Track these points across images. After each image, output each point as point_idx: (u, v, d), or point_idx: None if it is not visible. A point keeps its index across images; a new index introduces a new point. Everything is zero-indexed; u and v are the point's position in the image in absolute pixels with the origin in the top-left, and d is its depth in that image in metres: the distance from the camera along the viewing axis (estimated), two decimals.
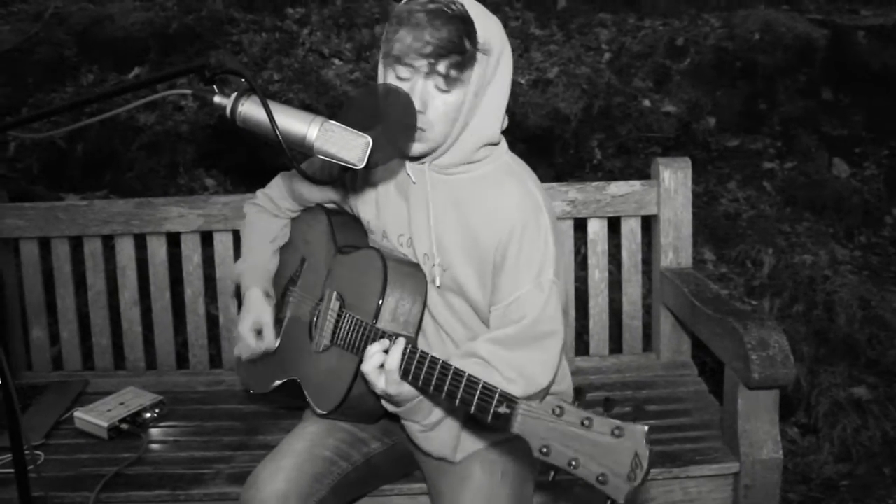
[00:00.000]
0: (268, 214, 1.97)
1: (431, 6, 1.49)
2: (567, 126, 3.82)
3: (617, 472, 1.15)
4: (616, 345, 2.48)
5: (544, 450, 1.21)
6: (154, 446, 2.08)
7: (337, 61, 4.15)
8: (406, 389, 1.49)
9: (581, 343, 2.56)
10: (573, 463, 1.19)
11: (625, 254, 2.43)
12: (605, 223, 2.41)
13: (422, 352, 1.47)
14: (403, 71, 1.52)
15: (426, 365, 1.45)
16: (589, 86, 3.97)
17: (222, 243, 2.43)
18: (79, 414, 2.15)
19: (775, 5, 4.52)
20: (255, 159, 3.49)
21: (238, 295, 2.43)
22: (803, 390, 2.90)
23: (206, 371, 2.46)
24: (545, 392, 1.62)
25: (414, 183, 1.66)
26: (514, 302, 1.57)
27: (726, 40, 4.20)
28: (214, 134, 3.72)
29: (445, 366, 1.42)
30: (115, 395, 2.23)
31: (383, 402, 1.58)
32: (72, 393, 2.33)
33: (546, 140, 3.75)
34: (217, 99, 1.32)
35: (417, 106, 1.52)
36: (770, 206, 3.58)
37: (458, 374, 1.38)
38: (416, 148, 1.58)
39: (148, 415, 2.17)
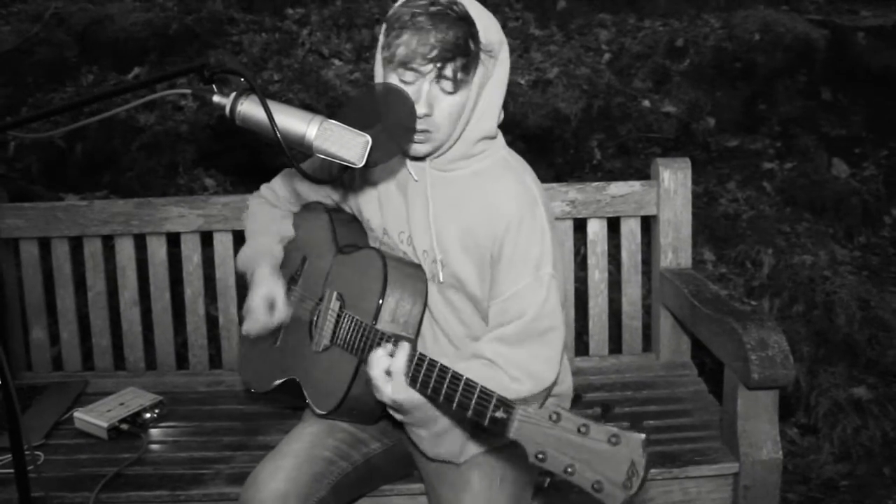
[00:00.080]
0: (270, 206, 1.97)
1: (433, 8, 1.48)
2: (567, 126, 3.83)
3: (613, 480, 1.15)
4: (616, 345, 2.48)
5: (540, 456, 1.21)
6: (154, 447, 2.08)
7: (337, 62, 4.15)
8: (414, 396, 1.46)
9: (581, 343, 2.56)
10: (569, 469, 1.19)
11: (624, 254, 2.43)
12: (604, 223, 2.41)
13: (420, 354, 1.47)
14: (408, 75, 1.52)
15: (424, 367, 1.45)
16: (589, 86, 3.97)
17: (222, 243, 2.43)
18: (79, 414, 2.14)
19: (775, 6, 4.53)
20: (255, 159, 3.49)
21: (238, 295, 2.44)
22: (803, 390, 2.90)
23: (205, 371, 2.46)
24: (550, 390, 1.62)
25: (416, 181, 1.66)
26: (512, 296, 1.57)
27: (726, 41, 4.21)
28: (214, 134, 3.72)
29: (444, 368, 1.42)
30: (115, 396, 2.23)
31: (391, 412, 1.56)
32: (72, 393, 2.33)
33: (546, 140, 3.75)
34: (216, 98, 1.32)
35: (424, 109, 1.52)
36: (769, 207, 3.58)
37: (457, 377, 1.38)
38: (422, 148, 1.59)
39: (148, 415, 2.17)
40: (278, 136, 1.28)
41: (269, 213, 1.95)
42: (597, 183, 2.41)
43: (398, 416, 1.55)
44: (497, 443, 1.63)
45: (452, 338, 1.70)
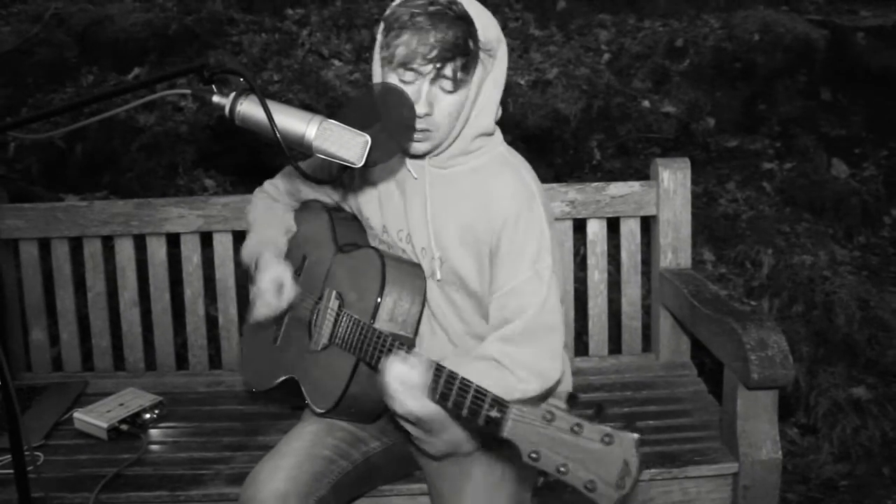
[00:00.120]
0: (274, 201, 1.98)
1: (432, 8, 1.49)
2: (566, 127, 3.83)
3: (605, 480, 1.15)
4: (615, 345, 2.49)
5: (534, 455, 1.21)
6: (153, 447, 2.08)
7: (336, 62, 4.15)
8: (431, 407, 1.42)
9: (580, 343, 2.56)
10: (562, 469, 1.19)
11: (624, 254, 2.43)
12: (604, 224, 2.41)
13: (414, 353, 1.47)
14: (408, 75, 1.52)
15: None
16: (588, 86, 3.97)
17: (222, 244, 2.43)
18: (78, 415, 2.15)
19: (774, 6, 4.53)
20: (255, 160, 3.49)
21: (238, 295, 2.44)
22: (802, 390, 2.90)
23: (205, 372, 2.46)
24: (555, 387, 1.62)
25: (415, 179, 1.66)
26: (511, 290, 1.57)
27: (725, 41, 4.21)
28: (214, 135, 3.72)
29: (439, 367, 1.42)
30: (115, 396, 2.23)
31: (403, 424, 1.51)
32: (71, 394, 2.33)
33: (545, 141, 3.75)
34: (216, 98, 1.32)
35: (425, 109, 1.52)
36: (769, 207, 3.58)
37: (452, 375, 1.38)
38: (422, 147, 1.59)
39: (147, 416, 2.17)
40: (278, 136, 1.28)
41: (273, 207, 1.95)
42: (596, 183, 2.41)
43: (414, 430, 1.51)
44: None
45: (451, 335, 1.71)
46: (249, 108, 1.31)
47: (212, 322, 2.49)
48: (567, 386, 1.79)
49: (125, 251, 2.43)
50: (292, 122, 1.30)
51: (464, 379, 1.36)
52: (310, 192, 1.93)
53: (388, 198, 1.73)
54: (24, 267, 2.46)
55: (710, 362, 2.57)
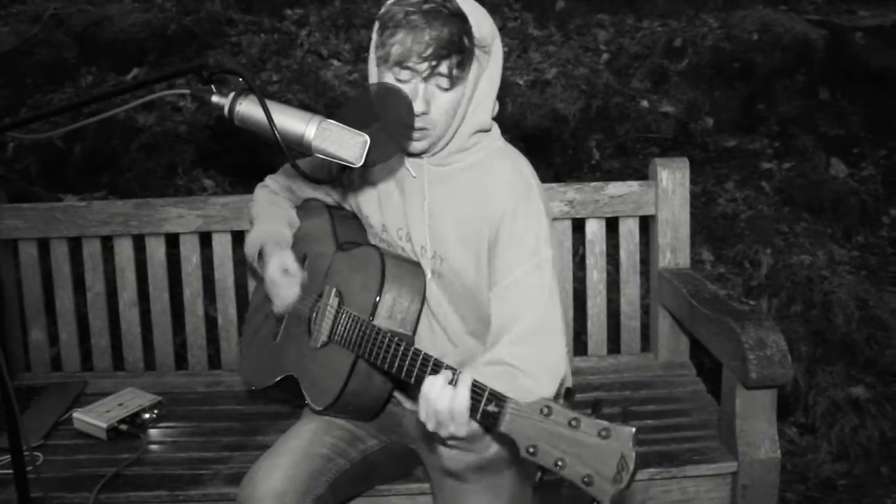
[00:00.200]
0: (276, 195, 1.98)
1: (426, 6, 1.49)
2: (565, 126, 3.83)
3: (603, 474, 1.15)
4: (614, 345, 2.49)
5: (531, 449, 1.21)
6: (153, 447, 2.08)
7: (335, 62, 4.15)
8: (475, 427, 1.35)
9: (579, 343, 2.56)
10: (559, 463, 1.19)
11: (623, 254, 2.43)
12: (603, 223, 2.42)
13: (415, 349, 1.48)
14: (404, 74, 1.53)
15: (419, 362, 1.45)
16: (587, 86, 3.98)
17: (221, 244, 2.43)
18: (77, 415, 2.15)
19: (773, 6, 4.53)
20: (254, 160, 3.50)
21: (237, 296, 2.44)
22: (801, 390, 2.90)
23: (204, 372, 2.46)
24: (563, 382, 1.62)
25: (414, 177, 1.66)
26: (512, 284, 1.56)
27: (724, 41, 4.21)
28: (213, 135, 3.72)
29: (437, 363, 1.43)
30: (114, 396, 2.24)
31: (450, 444, 1.42)
32: (71, 394, 2.33)
33: (544, 140, 3.75)
34: (215, 98, 1.33)
35: (422, 107, 1.52)
36: (768, 207, 3.59)
37: (476, 384, 1.37)
38: (420, 146, 1.60)
39: (147, 415, 2.17)
40: (277, 136, 1.28)
41: (276, 202, 1.96)
42: (595, 183, 2.41)
43: (452, 443, 1.43)
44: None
45: (450, 333, 1.71)
46: (248, 109, 1.31)
47: (211, 322, 2.49)
48: (566, 383, 1.79)
49: (124, 251, 2.43)
50: (291, 122, 1.30)
51: (473, 379, 1.36)
52: (310, 191, 1.94)
53: (388, 196, 1.73)
54: (23, 267, 2.46)
55: (709, 362, 2.58)
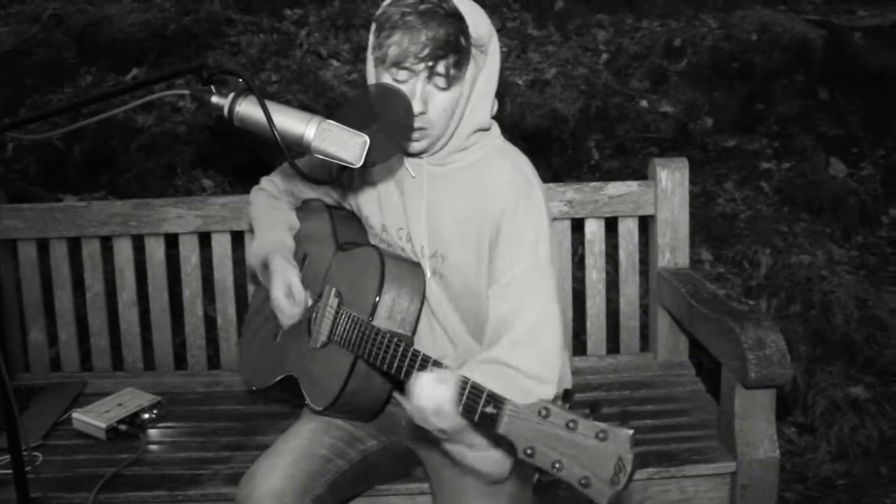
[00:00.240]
0: (275, 199, 1.98)
1: (422, 7, 1.49)
2: (564, 127, 3.83)
3: (600, 476, 1.15)
4: (613, 345, 2.49)
5: (529, 451, 1.21)
6: (152, 447, 2.08)
7: (335, 62, 4.16)
8: (460, 422, 1.39)
9: (578, 343, 2.56)
10: (557, 465, 1.19)
11: (622, 254, 2.43)
12: (602, 223, 2.42)
13: (414, 350, 1.48)
14: (401, 74, 1.53)
15: (418, 362, 1.45)
16: (586, 86, 3.98)
17: (220, 244, 2.43)
18: (77, 415, 2.15)
19: (772, 6, 4.54)
20: (253, 160, 3.50)
21: (236, 296, 2.45)
22: (800, 390, 2.90)
23: (204, 372, 2.46)
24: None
25: (413, 177, 1.67)
26: (511, 281, 1.56)
27: (723, 41, 4.22)
28: (212, 135, 3.72)
29: (436, 362, 1.43)
30: (114, 396, 2.24)
31: (440, 437, 1.46)
32: (70, 394, 2.33)
33: (544, 140, 3.76)
34: (214, 99, 1.33)
35: (420, 107, 1.52)
36: (767, 207, 3.59)
37: (464, 381, 1.37)
38: (419, 146, 1.60)
39: (146, 416, 2.17)
40: (277, 136, 1.28)
41: (276, 206, 1.96)
42: (594, 183, 2.41)
43: (441, 436, 1.46)
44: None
45: (450, 334, 1.71)
46: (248, 109, 1.31)
47: (210, 322, 2.49)
48: (565, 383, 1.79)
49: (124, 251, 2.43)
50: (291, 122, 1.30)
51: (461, 375, 1.36)
52: (309, 192, 1.94)
53: (388, 197, 1.73)
54: (22, 267, 2.46)
55: (708, 362, 2.58)
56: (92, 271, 2.45)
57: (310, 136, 1.30)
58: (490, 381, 1.36)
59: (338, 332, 1.66)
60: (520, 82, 3.95)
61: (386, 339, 1.53)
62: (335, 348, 1.66)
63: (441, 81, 1.53)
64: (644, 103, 3.96)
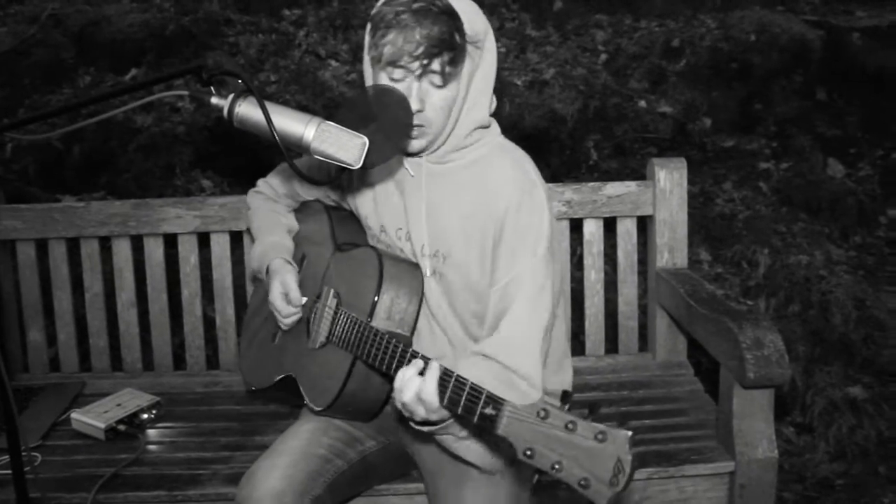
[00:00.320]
0: (273, 202, 1.98)
1: (416, 5, 1.49)
2: (563, 127, 3.83)
3: (599, 477, 1.16)
4: (612, 345, 2.49)
5: (528, 452, 1.22)
6: (151, 447, 2.08)
7: (333, 62, 4.16)
8: (444, 414, 1.42)
9: (577, 343, 2.56)
10: (556, 466, 1.19)
11: (621, 254, 2.44)
12: (601, 224, 2.42)
13: (412, 350, 1.48)
14: (397, 73, 1.53)
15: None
16: (585, 87, 3.98)
17: (219, 245, 2.43)
18: (76, 415, 2.15)
19: (770, 6, 4.54)
20: (253, 160, 3.50)
21: (235, 296, 2.45)
22: (799, 390, 2.90)
23: (203, 372, 2.46)
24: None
25: (412, 176, 1.67)
26: (511, 281, 1.57)
27: (722, 41, 4.22)
28: (211, 135, 3.72)
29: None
30: (113, 397, 2.24)
31: (417, 427, 1.49)
32: (69, 394, 2.33)
33: (542, 141, 3.76)
34: (214, 100, 1.33)
35: (416, 105, 1.53)
36: (765, 207, 3.59)
37: (448, 373, 1.38)
38: (417, 144, 1.60)
39: (145, 416, 2.17)
40: (276, 138, 1.29)
41: (273, 208, 1.96)
42: (593, 183, 2.41)
43: (424, 430, 1.49)
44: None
45: (450, 334, 1.71)
46: (247, 110, 1.31)
47: (209, 322, 2.49)
48: (565, 384, 1.79)
49: (122, 252, 2.43)
50: (290, 123, 1.30)
51: (459, 376, 1.36)
52: (308, 193, 1.94)
53: (386, 197, 1.73)
54: (21, 268, 2.46)
55: (707, 362, 2.58)
56: (91, 271, 2.45)
57: (309, 137, 1.30)
58: (486, 379, 1.37)
59: (336, 332, 1.66)
60: (518, 83, 3.95)
61: (384, 340, 1.53)
62: (334, 349, 1.67)
63: (437, 79, 1.53)
64: (642, 103, 3.97)
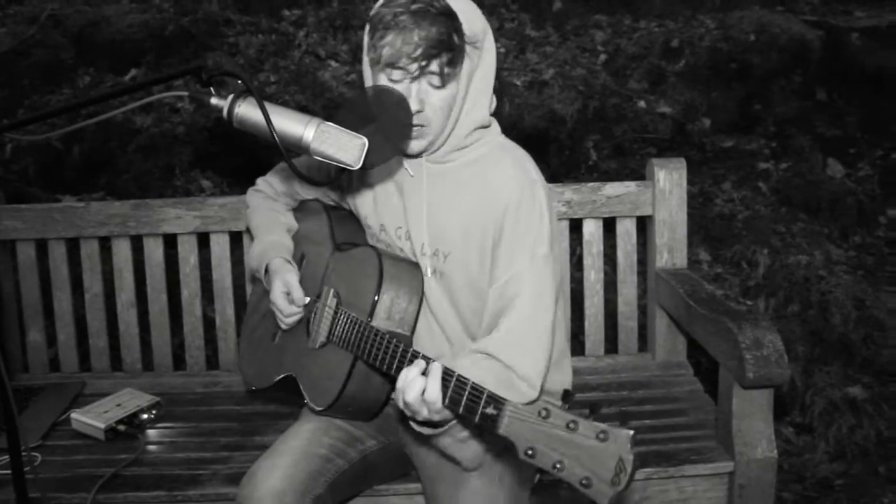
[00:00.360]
0: (272, 201, 1.98)
1: (414, 6, 1.50)
2: (563, 127, 3.84)
3: (601, 476, 1.16)
4: (612, 345, 2.49)
5: (530, 451, 1.22)
6: (151, 447, 2.08)
7: (333, 63, 4.16)
8: (447, 414, 1.42)
9: (577, 343, 2.56)
10: (558, 465, 1.19)
11: (620, 254, 2.44)
12: (600, 224, 2.42)
13: (413, 350, 1.48)
14: (396, 74, 1.54)
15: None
16: (584, 87, 3.98)
17: (219, 245, 2.43)
18: (76, 415, 2.15)
19: (770, 7, 4.55)
20: (252, 161, 3.50)
21: (235, 296, 2.45)
22: (798, 390, 2.91)
23: (202, 372, 2.47)
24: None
25: (412, 176, 1.67)
26: (511, 279, 1.57)
27: (721, 41, 4.22)
28: (211, 136, 3.72)
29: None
30: (112, 397, 2.24)
31: (418, 428, 1.50)
32: (69, 394, 2.33)
33: (542, 141, 3.76)
34: (214, 101, 1.33)
35: (416, 106, 1.53)
36: (765, 207, 3.60)
37: (448, 372, 1.39)
38: (417, 145, 1.60)
39: (145, 416, 2.18)
40: (276, 138, 1.29)
41: (272, 207, 1.96)
42: (592, 183, 2.41)
43: (425, 431, 1.50)
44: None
45: (449, 334, 1.71)
46: (247, 111, 1.31)
47: (209, 323, 2.50)
48: (565, 383, 1.79)
49: (122, 252, 2.44)
50: (290, 124, 1.30)
51: (460, 376, 1.37)
52: (307, 192, 1.94)
53: (386, 197, 1.73)
54: (21, 268, 2.46)
55: (706, 362, 2.58)
56: (91, 272, 2.45)
57: (309, 138, 1.30)
58: (486, 378, 1.37)
59: (337, 332, 1.66)
60: (518, 83, 3.95)
61: (385, 340, 1.54)
62: (334, 349, 1.67)
63: (436, 80, 1.54)
64: (642, 104, 3.97)
